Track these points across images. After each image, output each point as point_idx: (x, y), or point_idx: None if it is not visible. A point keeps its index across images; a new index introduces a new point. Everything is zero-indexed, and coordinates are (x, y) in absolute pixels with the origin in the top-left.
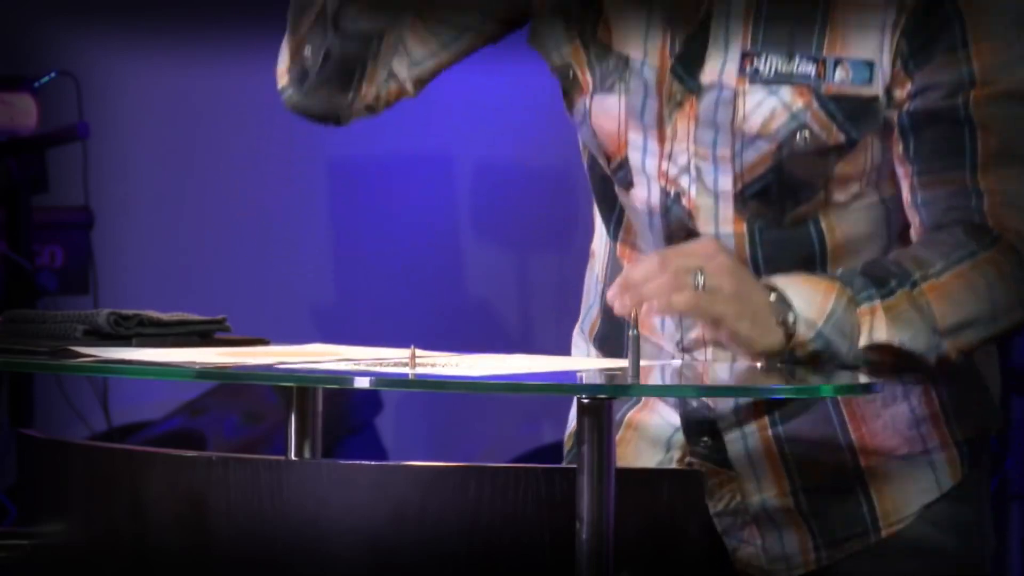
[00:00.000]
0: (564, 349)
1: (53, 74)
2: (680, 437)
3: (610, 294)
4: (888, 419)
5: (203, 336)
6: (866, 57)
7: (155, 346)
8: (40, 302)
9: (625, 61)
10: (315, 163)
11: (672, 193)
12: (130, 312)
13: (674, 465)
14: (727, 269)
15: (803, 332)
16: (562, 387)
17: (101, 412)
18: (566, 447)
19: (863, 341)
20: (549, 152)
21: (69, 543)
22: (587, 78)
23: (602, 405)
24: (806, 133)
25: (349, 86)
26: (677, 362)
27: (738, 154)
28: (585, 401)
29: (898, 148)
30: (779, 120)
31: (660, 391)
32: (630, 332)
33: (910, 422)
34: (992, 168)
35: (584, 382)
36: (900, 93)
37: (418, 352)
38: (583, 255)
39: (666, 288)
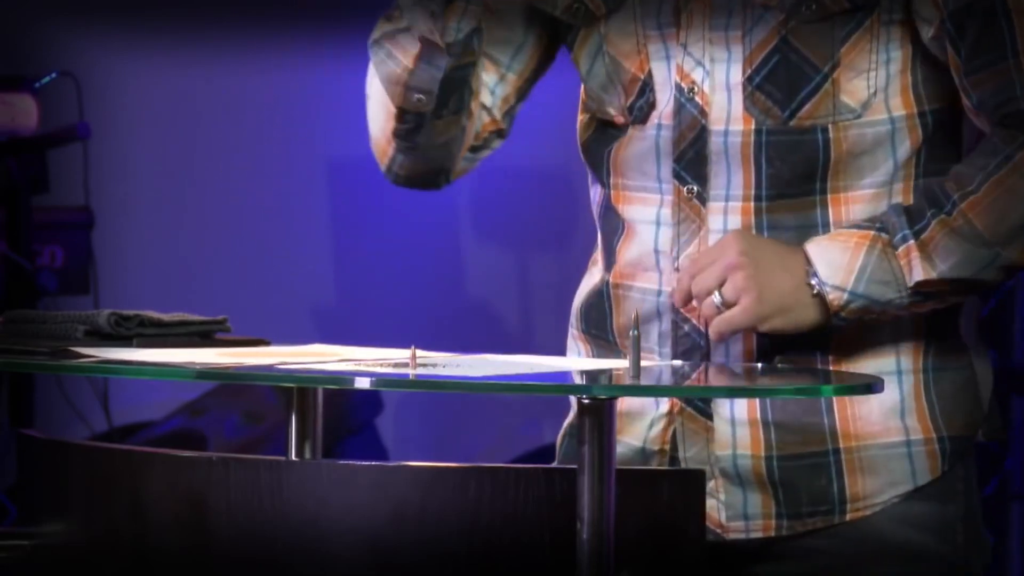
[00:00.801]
0: (564, 349)
1: (54, 74)
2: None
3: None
4: (875, 404)
5: (203, 336)
6: None
7: (155, 346)
8: (40, 302)
9: None
10: (315, 163)
11: (686, 89)
12: (131, 312)
13: (664, 409)
14: (742, 276)
15: (834, 298)
16: (562, 387)
17: (101, 412)
18: (559, 444)
19: (911, 280)
20: (549, 152)
21: (69, 543)
22: (597, 2)
23: (602, 405)
24: (812, 3)
25: (461, 113)
26: (677, 362)
27: (748, 32)
28: (585, 401)
29: (949, 54)
30: None
31: (660, 391)
32: (631, 332)
33: (896, 411)
34: None
35: (584, 382)
36: None
37: (418, 352)
38: (583, 255)
39: (703, 315)
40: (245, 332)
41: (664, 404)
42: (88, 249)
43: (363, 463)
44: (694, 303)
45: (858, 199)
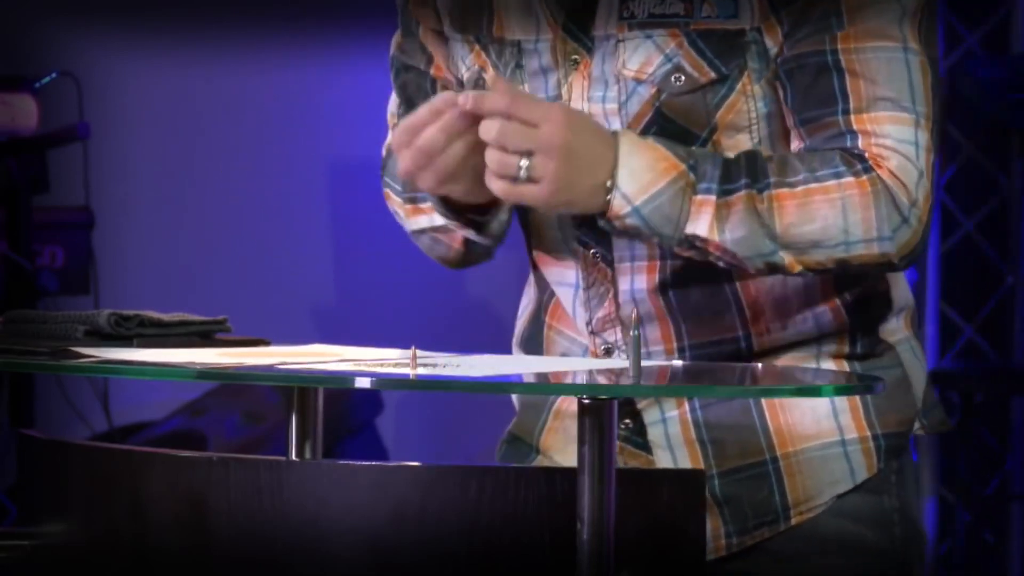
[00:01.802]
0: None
1: (54, 74)
2: None
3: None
4: (808, 408)
5: (204, 336)
6: None
7: (156, 346)
8: (41, 302)
9: (518, 47)
10: (315, 163)
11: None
12: (131, 312)
13: None
14: (553, 166)
15: (617, 205)
16: (562, 387)
17: (102, 412)
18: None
19: (688, 229)
20: None
21: (69, 543)
22: (495, 75)
23: (603, 405)
24: (680, 75)
25: None
26: (677, 362)
27: (623, 104)
28: (586, 401)
29: (783, 99)
30: (655, 62)
31: (661, 391)
32: (631, 332)
33: (829, 412)
34: (865, 111)
35: (584, 382)
36: (773, 41)
37: (419, 352)
38: None
39: (491, 166)
40: (245, 332)
41: None
42: (88, 249)
43: (363, 463)
44: (490, 149)
45: None
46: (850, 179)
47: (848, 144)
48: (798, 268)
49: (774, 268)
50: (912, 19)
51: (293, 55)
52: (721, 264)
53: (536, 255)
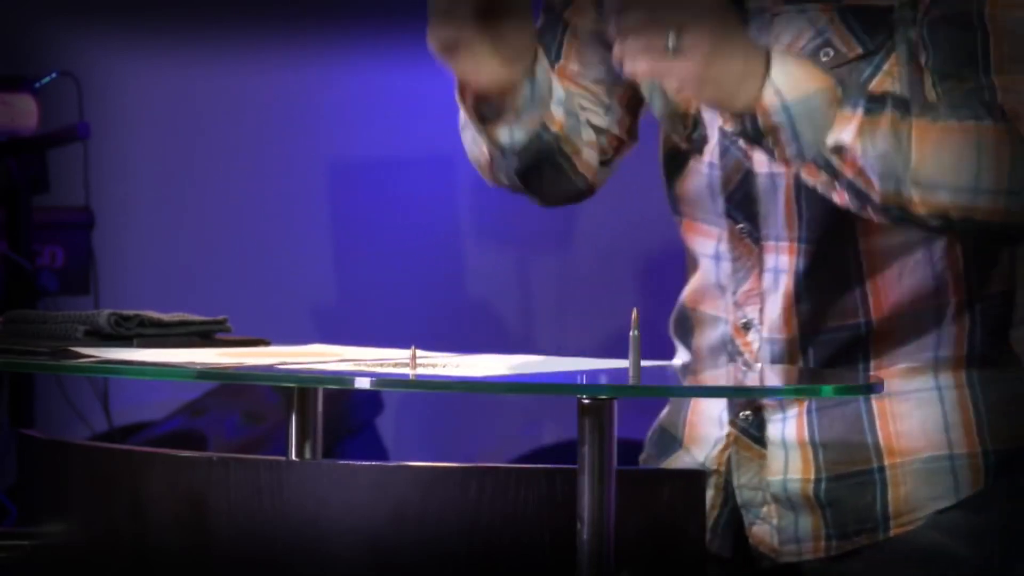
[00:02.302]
0: (564, 349)
1: (54, 74)
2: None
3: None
4: (918, 421)
5: (204, 336)
6: None
7: (156, 346)
8: (41, 302)
9: None
10: (315, 163)
11: (730, 134)
12: (131, 312)
13: (724, 432)
14: (708, 28)
15: (769, 99)
16: (562, 387)
17: (102, 412)
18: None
19: (829, 139)
20: None
21: (69, 543)
22: None
23: (603, 405)
24: (829, 49)
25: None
26: (677, 362)
27: None
28: (586, 402)
29: (921, 59)
30: (805, 36)
31: (661, 391)
32: (631, 333)
33: (940, 426)
34: (1005, 72)
35: (585, 382)
36: (921, 5)
37: (419, 352)
38: (583, 255)
39: (637, 47)
40: (245, 332)
41: (725, 428)
42: (88, 249)
43: (363, 463)
44: (636, 37)
45: (889, 227)
46: (989, 123)
47: (987, 97)
48: (922, 210)
49: (900, 202)
50: None
51: (293, 55)
52: (846, 196)
53: (687, 223)
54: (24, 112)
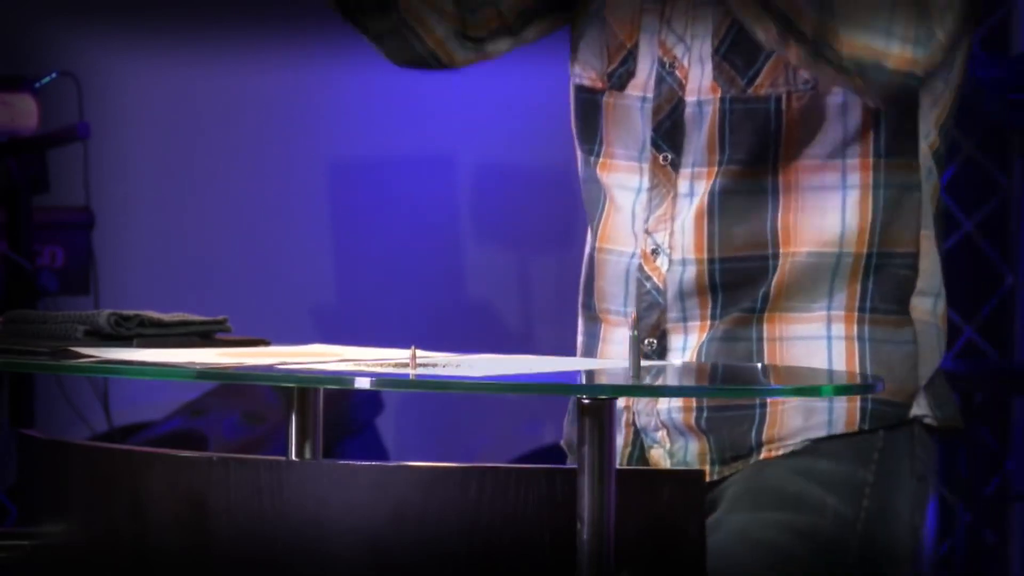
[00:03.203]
0: (564, 349)
1: (54, 74)
2: None
3: None
4: (804, 362)
5: (204, 336)
6: None
7: (156, 347)
8: (41, 302)
9: None
10: (315, 163)
11: (667, 63)
12: (131, 312)
13: None
14: None
15: None
16: (562, 387)
17: (102, 412)
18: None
19: None
20: (549, 152)
21: (69, 543)
22: None
23: (603, 405)
24: None
25: None
26: (677, 362)
27: (714, 5)
28: (586, 401)
29: None
30: None
31: (661, 391)
32: (631, 333)
33: (824, 362)
34: None
35: (584, 382)
36: None
37: (419, 352)
38: (583, 255)
39: None
40: (245, 332)
41: None
42: (88, 249)
43: (363, 463)
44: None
45: (807, 168)
46: None
47: None
48: (836, 44)
49: (824, 34)
50: None
51: (293, 55)
52: (774, 29)
53: (604, 163)
54: (24, 112)
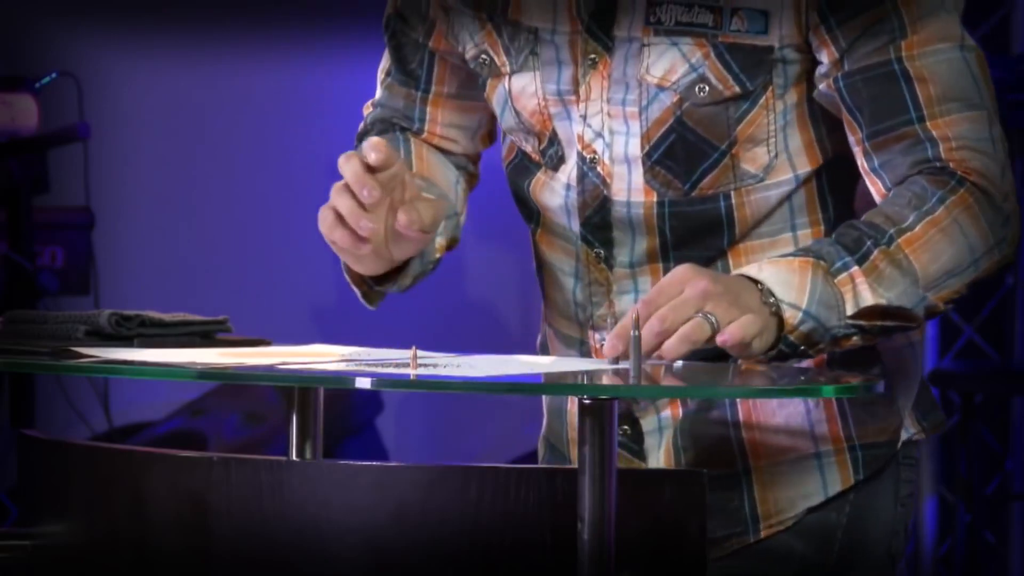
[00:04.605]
0: None
1: (54, 75)
2: None
3: (608, 347)
4: (782, 420)
5: (204, 336)
6: (761, 6)
7: (156, 347)
8: (41, 302)
9: (535, 34)
10: (315, 163)
11: (588, 159)
12: (131, 312)
13: None
14: (726, 300)
15: (790, 316)
16: (563, 387)
17: (102, 413)
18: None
19: (850, 308)
20: None
21: (70, 544)
22: (503, 59)
23: (603, 406)
24: (705, 86)
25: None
26: (678, 363)
27: (644, 109)
28: (586, 402)
29: (845, 118)
30: (679, 71)
31: (661, 392)
32: (632, 333)
33: (803, 425)
34: (939, 115)
35: (585, 382)
36: (829, 55)
37: (419, 353)
38: None
39: (686, 335)
40: (245, 332)
41: None
42: (88, 249)
43: (364, 463)
44: (664, 346)
45: (758, 247)
46: (952, 199)
47: (928, 153)
48: (943, 307)
49: (929, 314)
50: (957, 5)
51: (293, 55)
52: (877, 340)
53: (542, 234)
54: (24, 112)
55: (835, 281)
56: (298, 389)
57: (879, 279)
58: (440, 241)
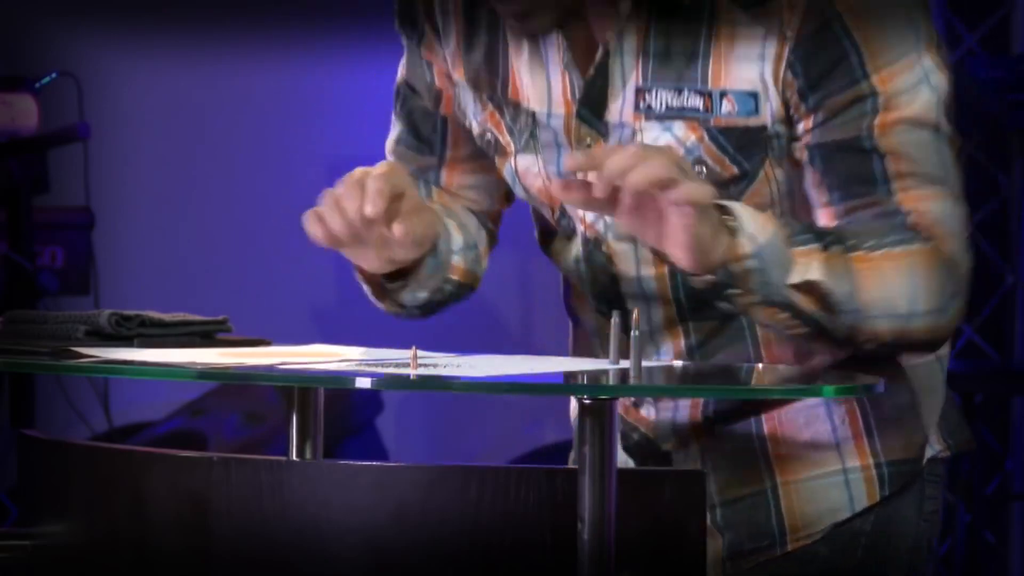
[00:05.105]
0: (564, 349)
1: (54, 75)
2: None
3: (569, 162)
4: (809, 439)
5: (205, 336)
6: (749, 88)
7: (156, 347)
8: (41, 302)
9: (532, 116)
10: (315, 163)
11: (592, 239)
12: (131, 312)
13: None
14: (693, 173)
15: (744, 244)
16: (563, 387)
17: (102, 413)
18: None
19: (795, 277)
20: None
21: (70, 544)
22: (506, 139)
23: (603, 405)
24: (702, 168)
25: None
26: (678, 363)
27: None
28: (586, 402)
29: (813, 179)
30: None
31: (661, 391)
32: (632, 333)
33: (830, 442)
34: (910, 190)
35: (585, 382)
36: (805, 125)
37: (419, 352)
38: None
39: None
40: (246, 332)
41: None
42: (88, 249)
43: (364, 463)
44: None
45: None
46: (916, 247)
47: (897, 220)
48: (861, 339)
49: (851, 332)
50: (928, 45)
51: (293, 55)
52: (803, 330)
53: (574, 293)
54: (24, 112)
55: (793, 249)
56: (298, 389)
57: (832, 269)
58: (457, 261)
